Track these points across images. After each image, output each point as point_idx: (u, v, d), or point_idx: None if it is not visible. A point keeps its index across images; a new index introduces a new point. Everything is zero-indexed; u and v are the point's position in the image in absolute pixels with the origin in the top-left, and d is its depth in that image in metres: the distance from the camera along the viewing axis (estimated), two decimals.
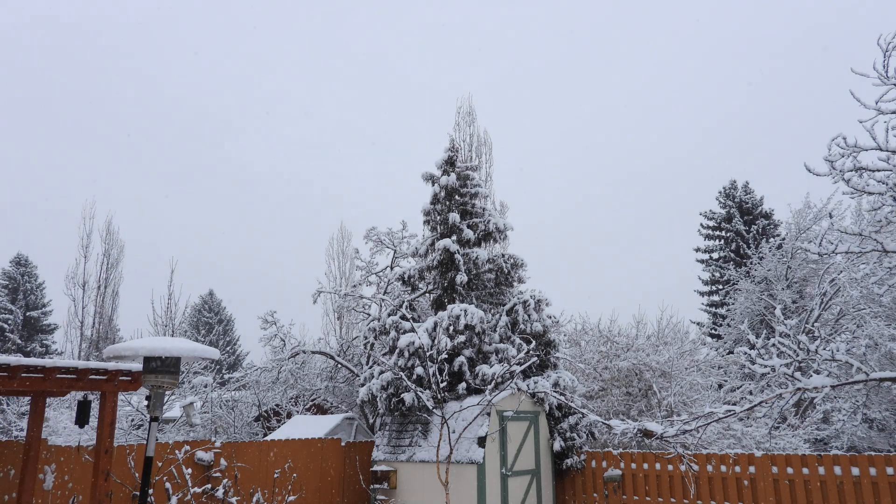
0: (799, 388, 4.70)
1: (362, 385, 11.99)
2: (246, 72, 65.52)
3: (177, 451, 8.62)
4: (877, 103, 5.97)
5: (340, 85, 69.68)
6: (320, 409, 16.24)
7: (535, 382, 10.64)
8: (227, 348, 35.04)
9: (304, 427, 11.87)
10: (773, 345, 5.34)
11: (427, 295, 14.01)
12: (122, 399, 13.56)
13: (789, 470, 9.15)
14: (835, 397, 14.13)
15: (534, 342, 11.51)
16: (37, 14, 50.83)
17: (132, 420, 14.82)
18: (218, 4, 68.00)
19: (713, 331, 22.60)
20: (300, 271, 50.79)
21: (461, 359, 10.92)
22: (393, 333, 11.40)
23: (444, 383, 10.42)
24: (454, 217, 12.76)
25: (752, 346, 14.03)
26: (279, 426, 13.99)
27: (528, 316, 11.68)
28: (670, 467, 10.18)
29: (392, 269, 15.09)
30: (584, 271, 51.95)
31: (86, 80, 54.96)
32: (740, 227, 24.95)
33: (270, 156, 64.87)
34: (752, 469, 9.45)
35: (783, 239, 20.65)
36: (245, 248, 55.24)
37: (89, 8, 57.93)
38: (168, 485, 8.35)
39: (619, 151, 68.32)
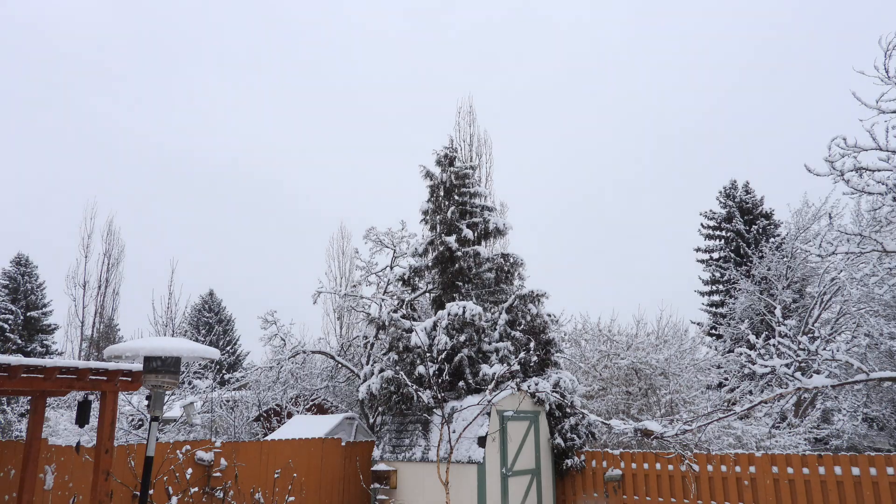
0: (799, 388, 4.70)
1: (363, 383, 12.00)
2: (244, 73, 65.51)
3: (177, 451, 8.63)
4: (877, 102, 5.98)
5: (339, 84, 69.64)
6: (320, 409, 16.24)
7: (536, 383, 10.64)
8: (227, 348, 35.02)
9: (304, 427, 11.87)
10: (774, 345, 5.34)
11: (427, 294, 14.02)
12: (122, 399, 13.56)
13: (789, 470, 9.15)
14: (835, 397, 14.12)
15: (533, 341, 11.52)
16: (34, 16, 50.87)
17: (132, 420, 14.82)
18: (220, 11, 68.02)
19: (713, 331, 22.58)
20: (301, 271, 50.78)
21: (461, 358, 10.93)
22: (393, 332, 11.40)
23: (445, 383, 10.42)
24: (454, 216, 12.77)
25: (752, 347, 14.06)
26: (279, 426, 13.99)
27: (528, 311, 11.67)
28: (671, 467, 10.18)
29: (392, 268, 15.10)
30: (584, 271, 51.93)
31: (85, 80, 54.98)
32: (740, 226, 24.93)
33: (270, 155, 64.88)
34: (752, 469, 9.45)
35: (783, 239, 20.64)
36: (245, 247, 55.25)
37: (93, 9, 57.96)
38: (168, 486, 8.36)
39: (619, 151, 68.33)
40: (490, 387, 10.00)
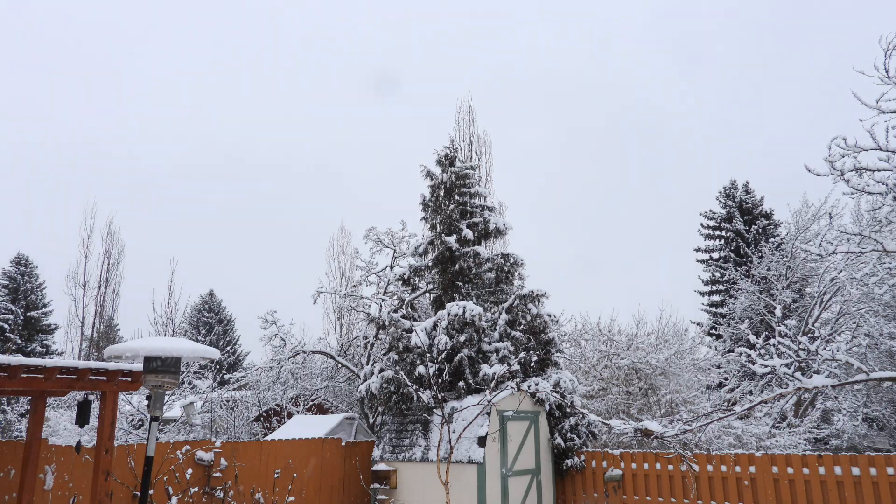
0: (799, 388, 4.71)
1: (363, 383, 12.02)
2: (243, 72, 65.48)
3: (177, 451, 8.63)
4: (877, 102, 5.98)
5: (339, 85, 69.70)
6: (320, 409, 16.25)
7: (536, 383, 10.65)
8: (227, 348, 35.01)
9: (304, 427, 11.87)
10: (774, 345, 5.34)
11: (427, 294, 14.02)
12: (122, 399, 13.56)
13: (789, 470, 9.15)
14: (835, 397, 14.13)
15: (533, 341, 11.52)
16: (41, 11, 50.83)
17: (132, 420, 14.83)
18: (214, 14, 68.02)
19: (713, 331, 22.59)
20: (301, 271, 50.76)
21: (461, 358, 10.93)
22: (393, 332, 11.41)
23: (445, 383, 10.42)
24: (454, 216, 12.78)
25: (752, 347, 14.07)
26: (279, 426, 13.99)
27: (528, 311, 11.68)
28: (671, 467, 10.18)
29: (392, 268, 15.11)
30: (583, 271, 51.93)
31: (86, 82, 54.98)
32: (740, 226, 24.94)
33: (270, 155, 64.88)
34: (752, 469, 9.46)
35: (783, 239, 20.66)
36: (246, 247, 55.23)
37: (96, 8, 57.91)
38: (168, 486, 8.36)
39: (620, 151, 68.35)
40: (490, 387, 10.00)
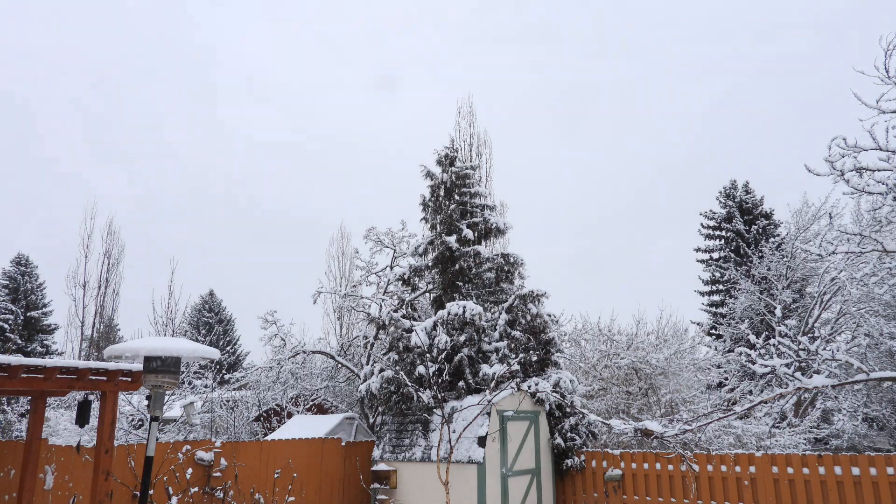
0: (799, 388, 4.70)
1: (363, 383, 12.02)
2: (242, 71, 65.53)
3: (177, 452, 8.63)
4: (877, 102, 5.98)
5: (339, 84, 69.68)
6: (320, 409, 16.25)
7: (536, 383, 10.64)
8: (227, 348, 35.02)
9: (304, 427, 11.87)
10: (774, 345, 5.34)
11: (427, 294, 14.02)
12: (122, 399, 13.56)
13: (789, 470, 9.15)
14: (835, 397, 14.13)
15: (533, 341, 11.51)
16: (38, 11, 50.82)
17: (132, 420, 14.83)
18: (210, 15, 68.01)
19: (713, 331, 22.59)
20: (301, 271, 50.77)
21: (461, 358, 10.93)
22: (393, 332, 11.40)
23: (445, 383, 10.42)
24: (454, 216, 12.77)
25: (752, 346, 14.08)
26: (279, 426, 13.99)
27: (528, 310, 11.67)
28: (671, 467, 10.18)
29: (392, 268, 15.11)
30: (583, 271, 51.95)
31: (88, 82, 54.99)
32: (740, 226, 24.94)
33: (272, 155, 64.88)
34: (752, 469, 9.46)
35: (783, 239, 20.67)
36: (246, 247, 55.24)
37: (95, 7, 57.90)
38: (168, 486, 8.36)
39: (619, 152, 68.35)
40: (490, 387, 10.00)
